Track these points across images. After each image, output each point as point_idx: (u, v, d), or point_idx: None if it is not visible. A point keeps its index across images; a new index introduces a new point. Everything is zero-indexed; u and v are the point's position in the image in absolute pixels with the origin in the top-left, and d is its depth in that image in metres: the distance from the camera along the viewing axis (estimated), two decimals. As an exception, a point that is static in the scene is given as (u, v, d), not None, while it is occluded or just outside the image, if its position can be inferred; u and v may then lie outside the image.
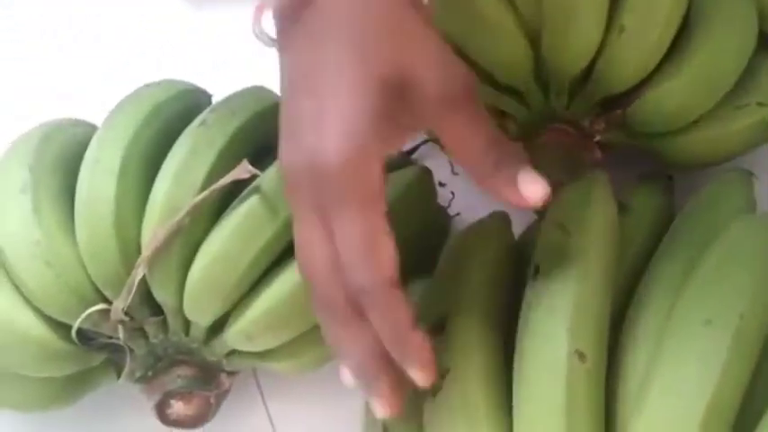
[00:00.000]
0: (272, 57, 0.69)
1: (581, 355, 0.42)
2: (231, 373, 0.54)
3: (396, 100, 0.40)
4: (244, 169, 0.49)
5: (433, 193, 0.59)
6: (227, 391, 0.54)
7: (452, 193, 0.62)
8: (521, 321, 0.44)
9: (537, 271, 0.45)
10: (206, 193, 0.49)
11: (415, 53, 0.41)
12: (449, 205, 0.62)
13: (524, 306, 0.45)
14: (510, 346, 0.45)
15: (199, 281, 0.49)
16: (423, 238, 0.55)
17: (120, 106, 0.54)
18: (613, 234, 0.48)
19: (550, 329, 0.42)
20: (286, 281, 0.49)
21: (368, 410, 0.45)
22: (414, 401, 0.44)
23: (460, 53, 0.57)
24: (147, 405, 0.53)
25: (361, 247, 0.39)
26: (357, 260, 0.39)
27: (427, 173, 0.58)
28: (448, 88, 0.41)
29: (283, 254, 0.50)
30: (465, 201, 0.62)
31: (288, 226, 0.49)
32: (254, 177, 0.49)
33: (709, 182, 0.53)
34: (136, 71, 0.70)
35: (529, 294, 0.45)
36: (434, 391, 0.43)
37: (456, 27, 0.57)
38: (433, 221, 0.59)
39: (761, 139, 0.58)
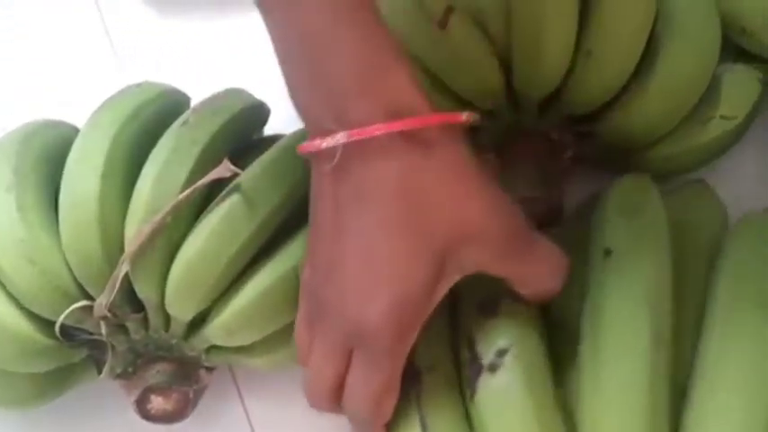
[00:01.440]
0: (243, 61, 0.70)
1: (659, 336, 0.44)
2: (210, 369, 0.55)
3: (445, 263, 0.42)
4: (225, 168, 0.50)
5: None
6: (205, 387, 0.55)
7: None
8: (590, 302, 0.46)
9: (607, 253, 0.48)
10: (188, 191, 0.50)
11: (472, 213, 0.43)
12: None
13: (594, 287, 0.47)
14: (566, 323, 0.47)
15: (181, 277, 0.50)
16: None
17: (103, 107, 0.55)
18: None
19: (631, 312, 0.45)
20: (265, 277, 0.51)
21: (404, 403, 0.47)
22: (453, 391, 0.47)
23: (435, 79, 0.59)
24: (127, 401, 0.53)
25: (371, 397, 0.45)
26: (362, 402, 0.45)
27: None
28: (503, 242, 0.44)
29: (262, 250, 0.51)
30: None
31: (266, 224, 0.51)
32: (234, 176, 0.51)
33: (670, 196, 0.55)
34: (122, 74, 0.71)
35: (599, 276, 0.47)
36: (492, 369, 0.45)
37: (432, 57, 0.58)
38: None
39: (723, 150, 0.60)
